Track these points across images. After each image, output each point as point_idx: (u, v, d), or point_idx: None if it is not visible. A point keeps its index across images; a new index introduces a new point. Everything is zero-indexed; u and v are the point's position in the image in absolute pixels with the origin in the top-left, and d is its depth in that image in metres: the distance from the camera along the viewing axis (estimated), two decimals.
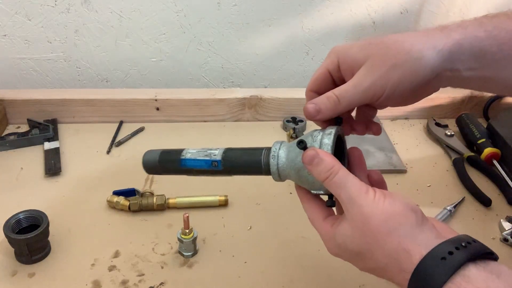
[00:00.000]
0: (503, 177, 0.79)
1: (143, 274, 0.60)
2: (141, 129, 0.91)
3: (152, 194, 0.71)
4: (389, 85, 0.44)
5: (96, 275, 0.60)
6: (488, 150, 0.82)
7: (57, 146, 0.83)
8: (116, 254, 0.63)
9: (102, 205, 0.71)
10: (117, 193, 0.71)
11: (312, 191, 0.47)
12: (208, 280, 0.60)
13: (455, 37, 0.45)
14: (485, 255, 0.37)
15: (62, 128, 0.90)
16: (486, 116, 0.96)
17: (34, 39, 0.95)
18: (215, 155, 0.51)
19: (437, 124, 0.93)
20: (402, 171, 0.82)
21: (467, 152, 0.85)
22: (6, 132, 0.88)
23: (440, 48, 0.44)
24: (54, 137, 0.85)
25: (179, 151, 0.54)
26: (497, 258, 0.38)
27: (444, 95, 0.98)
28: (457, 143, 0.87)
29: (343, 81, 0.47)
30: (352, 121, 0.52)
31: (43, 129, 0.86)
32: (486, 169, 0.82)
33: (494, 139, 0.85)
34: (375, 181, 0.48)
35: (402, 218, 0.38)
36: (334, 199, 0.45)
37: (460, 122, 0.92)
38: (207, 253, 0.64)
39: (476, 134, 0.86)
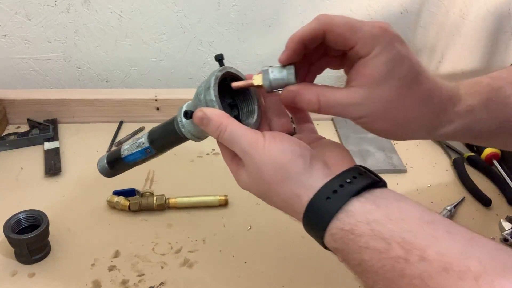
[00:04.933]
0: (503, 177, 0.79)
1: (143, 274, 0.60)
2: (141, 129, 0.91)
3: (152, 194, 0.71)
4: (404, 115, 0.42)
5: (96, 275, 0.60)
6: (488, 150, 0.82)
7: (57, 146, 0.83)
8: (116, 254, 0.63)
9: (102, 205, 0.71)
10: (117, 193, 0.71)
11: None
12: (208, 280, 0.60)
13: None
14: (373, 184, 0.38)
15: (62, 128, 0.90)
16: None
17: (34, 39, 0.95)
18: (143, 143, 0.52)
19: None
20: (402, 171, 0.82)
21: (467, 152, 0.85)
22: (6, 132, 0.88)
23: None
24: (54, 137, 0.85)
25: (118, 151, 0.55)
26: (385, 184, 0.39)
27: None
28: (457, 143, 0.87)
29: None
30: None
31: (43, 129, 0.86)
32: (486, 169, 0.82)
33: None
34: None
35: (290, 165, 0.40)
36: None
37: None
38: (207, 253, 0.64)
39: None
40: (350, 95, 0.40)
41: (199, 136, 0.49)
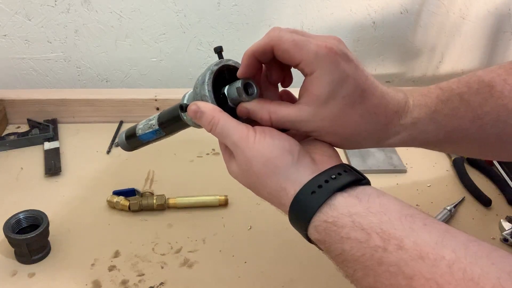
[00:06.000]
0: (503, 177, 0.79)
1: (143, 274, 0.60)
2: None
3: (152, 194, 0.71)
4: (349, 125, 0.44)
5: (96, 275, 0.60)
6: None
7: (57, 146, 0.83)
8: (116, 254, 0.63)
9: (102, 205, 0.71)
10: (117, 193, 0.71)
11: None
12: (208, 280, 0.60)
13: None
14: (357, 181, 0.40)
15: (62, 128, 0.90)
16: None
17: (34, 39, 0.95)
18: (154, 125, 0.55)
19: None
20: (402, 171, 0.82)
21: None
22: (6, 132, 0.88)
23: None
24: (54, 137, 0.85)
25: (134, 128, 0.58)
26: (369, 183, 0.41)
27: None
28: None
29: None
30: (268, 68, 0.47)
31: (43, 129, 0.86)
32: (486, 169, 0.82)
33: None
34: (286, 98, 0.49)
35: (278, 160, 0.41)
36: None
37: None
38: (207, 253, 0.64)
39: None
40: (298, 113, 0.43)
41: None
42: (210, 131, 0.44)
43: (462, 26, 1.09)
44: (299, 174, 0.41)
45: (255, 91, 0.45)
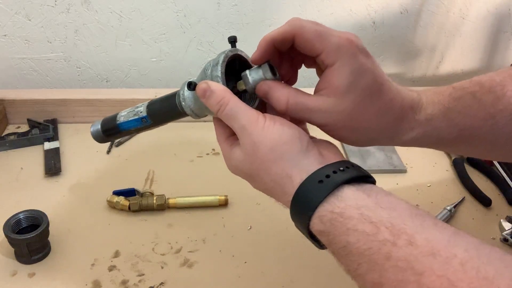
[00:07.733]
0: (503, 177, 0.79)
1: (143, 274, 0.60)
2: None
3: (152, 194, 0.71)
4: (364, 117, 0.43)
5: (96, 275, 0.60)
6: None
7: (57, 146, 0.83)
8: (116, 254, 0.63)
9: (102, 205, 0.71)
10: (117, 193, 0.71)
11: None
12: (208, 280, 0.60)
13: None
14: (363, 178, 0.40)
15: (62, 128, 0.90)
16: None
17: (34, 39, 0.95)
18: (141, 112, 0.52)
19: None
20: (402, 171, 0.82)
21: None
22: (6, 132, 0.88)
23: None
24: (54, 137, 0.85)
25: (115, 116, 0.56)
26: (374, 182, 0.41)
27: None
28: None
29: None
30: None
31: (43, 129, 0.86)
32: (486, 169, 0.82)
33: None
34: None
35: (287, 146, 0.41)
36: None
37: None
38: (207, 253, 0.64)
39: None
40: (318, 102, 0.42)
41: (198, 113, 0.49)
42: (217, 112, 0.43)
43: (462, 26, 1.09)
44: (306, 162, 0.40)
45: (277, 73, 0.44)
